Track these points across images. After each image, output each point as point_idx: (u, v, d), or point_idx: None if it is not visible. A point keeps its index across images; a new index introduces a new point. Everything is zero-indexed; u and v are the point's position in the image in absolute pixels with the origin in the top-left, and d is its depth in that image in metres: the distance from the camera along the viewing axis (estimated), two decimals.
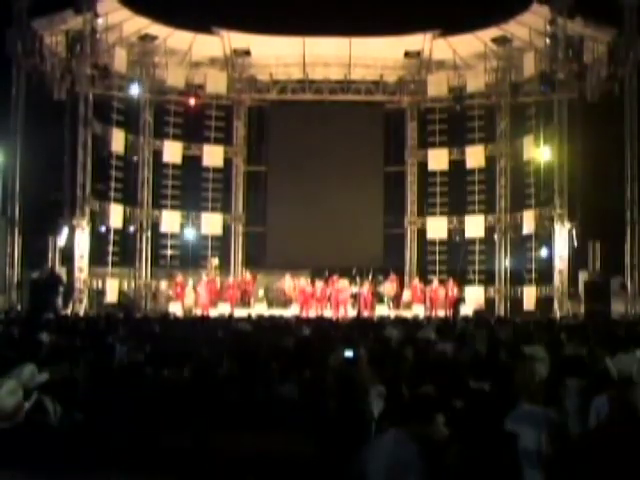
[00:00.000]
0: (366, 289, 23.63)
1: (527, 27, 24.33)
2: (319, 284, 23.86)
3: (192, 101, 25.88)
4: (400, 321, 14.79)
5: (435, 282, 24.76)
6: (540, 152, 24.51)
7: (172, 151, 27.10)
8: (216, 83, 27.15)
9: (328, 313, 22.21)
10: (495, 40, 25.46)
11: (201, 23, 24.77)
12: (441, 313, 22.77)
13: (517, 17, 23.92)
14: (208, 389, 5.47)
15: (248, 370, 6.01)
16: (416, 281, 25.11)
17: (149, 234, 26.69)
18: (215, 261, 25.53)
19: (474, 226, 26.79)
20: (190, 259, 26.84)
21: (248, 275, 25.42)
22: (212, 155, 27.60)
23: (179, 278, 24.22)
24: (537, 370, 4.76)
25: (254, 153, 28.17)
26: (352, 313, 22.53)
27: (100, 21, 23.31)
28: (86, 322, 14.27)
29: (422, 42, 25.85)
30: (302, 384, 5.69)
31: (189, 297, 23.56)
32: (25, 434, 3.79)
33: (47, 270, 22.60)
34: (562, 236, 22.96)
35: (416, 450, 3.56)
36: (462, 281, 25.44)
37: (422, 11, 22.20)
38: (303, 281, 24.47)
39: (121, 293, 25.81)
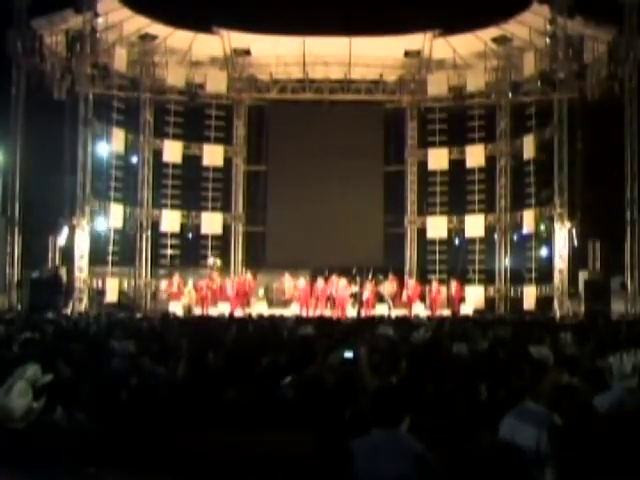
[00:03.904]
0: (366, 289, 23.62)
1: (527, 27, 24.34)
2: (319, 284, 23.85)
3: None
4: (398, 320, 14.80)
5: (435, 282, 24.81)
6: (540, 152, 24.53)
7: (172, 151, 27.09)
8: (216, 82, 27.15)
9: (328, 313, 22.20)
10: (495, 40, 25.46)
11: (201, 22, 24.77)
12: (439, 313, 22.78)
13: (517, 17, 23.92)
14: (206, 388, 5.47)
15: (247, 369, 6.01)
16: (414, 281, 25.08)
17: (149, 234, 26.69)
18: (218, 261, 25.56)
19: (474, 226, 26.79)
20: (190, 259, 26.88)
21: (249, 275, 25.41)
22: (212, 154, 27.60)
23: (174, 278, 24.27)
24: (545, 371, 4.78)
25: (254, 153, 28.14)
26: (352, 313, 22.53)
27: (100, 20, 23.31)
28: (86, 322, 14.28)
29: (422, 41, 25.85)
30: (302, 384, 5.69)
31: (187, 297, 23.57)
32: (36, 435, 3.79)
33: (50, 270, 22.61)
34: (562, 236, 22.97)
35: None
36: (462, 281, 25.44)
37: (422, 11, 22.19)
38: (303, 281, 24.47)
39: (121, 293, 25.81)
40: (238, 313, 21.04)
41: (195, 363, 6.27)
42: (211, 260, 25.83)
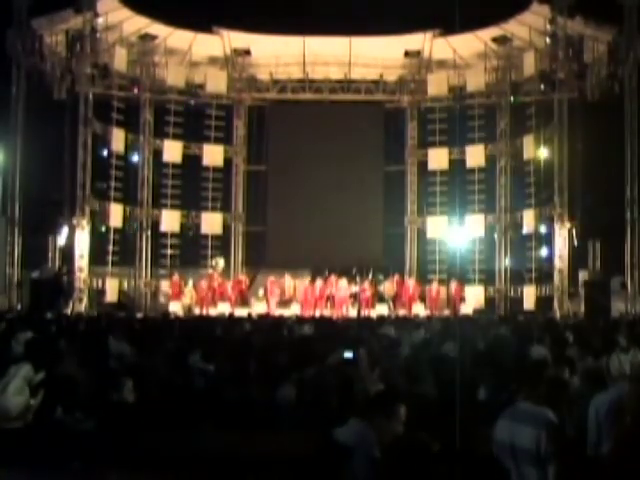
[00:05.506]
0: (366, 288, 23.62)
1: (527, 26, 24.33)
2: (319, 284, 23.85)
3: None
4: (399, 320, 14.82)
5: (435, 282, 24.82)
6: (540, 152, 24.53)
7: (172, 150, 27.07)
8: (216, 82, 27.14)
9: (328, 313, 22.20)
10: (495, 39, 25.45)
11: (201, 22, 24.77)
12: (438, 313, 22.77)
13: (517, 16, 23.92)
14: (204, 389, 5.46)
15: (247, 370, 6.01)
16: (414, 281, 25.08)
17: (149, 234, 26.68)
18: (221, 262, 25.58)
19: (474, 226, 26.77)
20: (190, 259, 26.88)
21: (242, 275, 25.55)
22: (212, 154, 27.58)
23: (175, 278, 24.27)
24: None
25: (254, 153, 28.12)
26: (352, 313, 22.53)
27: (100, 20, 23.34)
28: (86, 322, 14.29)
29: (422, 41, 25.86)
30: (302, 384, 5.69)
31: (187, 296, 23.59)
32: (35, 433, 3.80)
33: (51, 270, 22.60)
34: (562, 236, 22.96)
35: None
36: (462, 280, 25.44)
37: (422, 11, 22.18)
38: (303, 281, 24.47)
39: (121, 293, 25.81)
40: (238, 313, 21.05)
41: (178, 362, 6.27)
42: (214, 261, 25.82)
